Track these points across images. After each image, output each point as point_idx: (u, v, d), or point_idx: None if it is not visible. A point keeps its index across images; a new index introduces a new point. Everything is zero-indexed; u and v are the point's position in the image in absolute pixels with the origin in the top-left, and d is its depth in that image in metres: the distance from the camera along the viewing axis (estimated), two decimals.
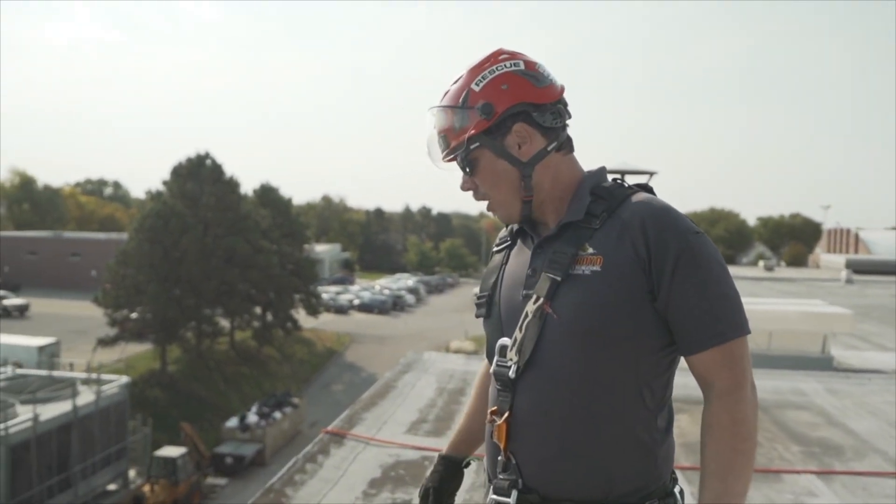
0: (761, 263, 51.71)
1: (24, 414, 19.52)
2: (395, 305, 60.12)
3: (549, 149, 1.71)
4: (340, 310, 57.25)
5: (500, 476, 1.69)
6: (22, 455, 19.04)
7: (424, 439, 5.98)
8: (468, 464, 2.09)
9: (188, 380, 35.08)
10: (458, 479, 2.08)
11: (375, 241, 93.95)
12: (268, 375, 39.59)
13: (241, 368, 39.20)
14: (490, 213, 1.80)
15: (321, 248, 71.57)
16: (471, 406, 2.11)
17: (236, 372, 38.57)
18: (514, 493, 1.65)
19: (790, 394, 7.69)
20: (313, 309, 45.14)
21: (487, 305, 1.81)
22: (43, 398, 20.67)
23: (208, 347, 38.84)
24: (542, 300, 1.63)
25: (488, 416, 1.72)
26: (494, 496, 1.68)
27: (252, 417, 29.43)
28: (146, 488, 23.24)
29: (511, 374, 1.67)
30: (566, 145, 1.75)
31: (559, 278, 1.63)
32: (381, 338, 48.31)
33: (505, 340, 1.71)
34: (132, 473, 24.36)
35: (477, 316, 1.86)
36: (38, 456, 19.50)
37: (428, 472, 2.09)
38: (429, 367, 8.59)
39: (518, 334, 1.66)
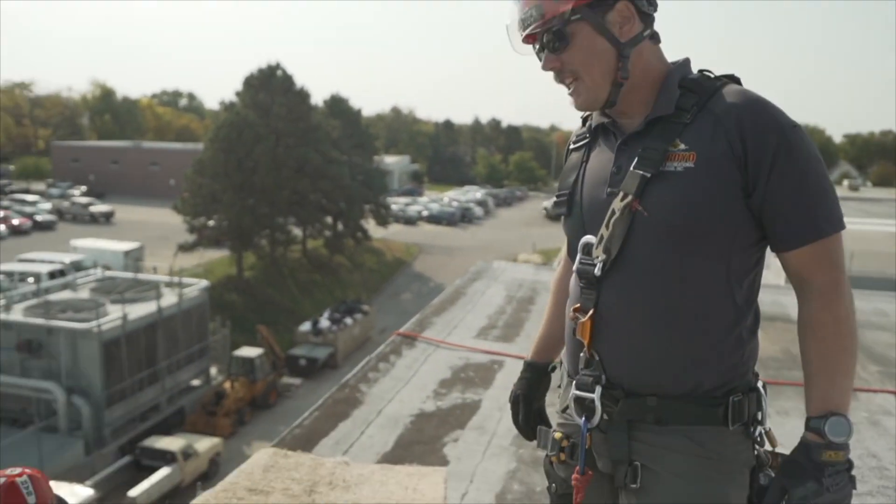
0: (846, 183, 49.58)
1: (113, 313, 20.65)
2: (463, 218, 60.29)
3: (644, 34, 1.64)
4: (409, 221, 57.78)
5: (583, 372, 1.70)
6: (113, 351, 20.25)
7: (493, 344, 6.10)
8: (554, 368, 2.11)
9: (263, 285, 36.33)
10: (545, 383, 2.11)
11: (444, 153, 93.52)
12: (339, 283, 40.63)
13: (314, 276, 40.31)
14: (569, 97, 1.71)
15: (390, 160, 71.76)
16: (549, 311, 2.13)
17: (309, 279, 39.70)
18: (598, 389, 1.66)
19: (872, 314, 7.49)
20: (383, 219, 45.72)
21: (568, 204, 1.79)
22: (130, 299, 21.77)
23: (282, 255, 39.95)
24: (630, 197, 1.60)
25: (571, 314, 1.73)
26: (577, 392, 1.69)
27: (324, 322, 30.43)
28: (227, 385, 24.50)
29: (596, 271, 1.66)
30: (656, 35, 1.69)
31: (649, 175, 1.59)
32: (449, 249, 48.74)
33: (589, 238, 1.69)
34: (213, 371, 25.68)
35: (556, 215, 1.85)
36: (128, 352, 20.72)
37: (515, 380, 2.14)
38: (498, 276, 8.66)
39: (604, 232, 1.64)
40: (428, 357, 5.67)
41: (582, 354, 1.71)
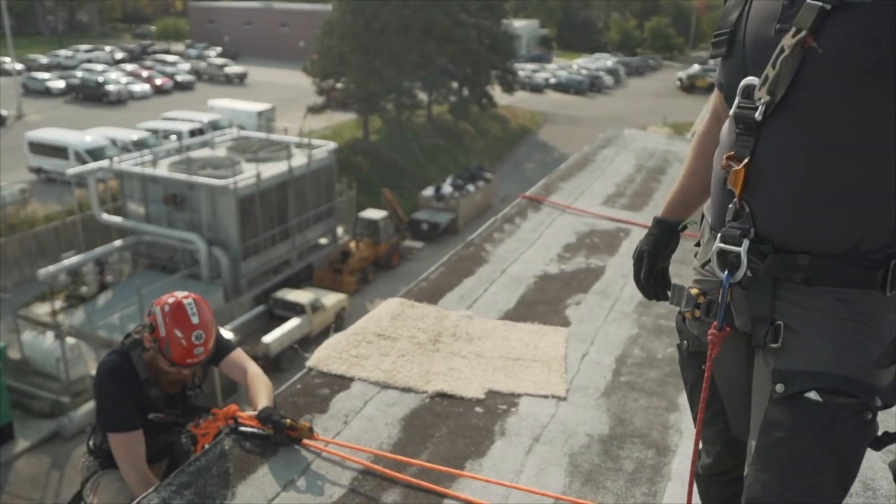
0: None
1: (248, 171, 21.61)
2: (592, 86, 58.08)
3: None
4: (536, 88, 56.28)
5: (730, 225, 1.61)
6: (248, 207, 21.36)
7: (620, 212, 5.97)
8: (685, 227, 2.02)
9: (388, 149, 36.85)
10: (673, 242, 2.03)
11: (575, 17, 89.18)
12: (462, 149, 40.65)
13: (438, 141, 40.45)
14: None
15: (519, 24, 69.22)
16: (689, 165, 2.00)
17: (433, 144, 39.90)
18: (745, 243, 1.57)
19: None
20: (509, 86, 44.70)
21: (729, 43, 1.63)
22: (263, 158, 22.64)
23: (407, 119, 40.15)
24: (803, 33, 1.44)
25: (723, 163, 1.61)
26: (722, 245, 1.61)
27: (447, 188, 30.76)
28: (352, 245, 25.51)
29: (757, 115, 1.52)
30: None
31: (829, 7, 1.42)
32: (576, 119, 47.46)
33: (751, 80, 1.55)
34: (340, 231, 26.72)
35: (714, 56, 1.70)
36: (261, 209, 21.80)
37: (643, 237, 2.07)
38: (628, 144, 8.36)
39: (770, 72, 1.50)
40: (553, 221, 5.63)
41: (731, 206, 1.61)
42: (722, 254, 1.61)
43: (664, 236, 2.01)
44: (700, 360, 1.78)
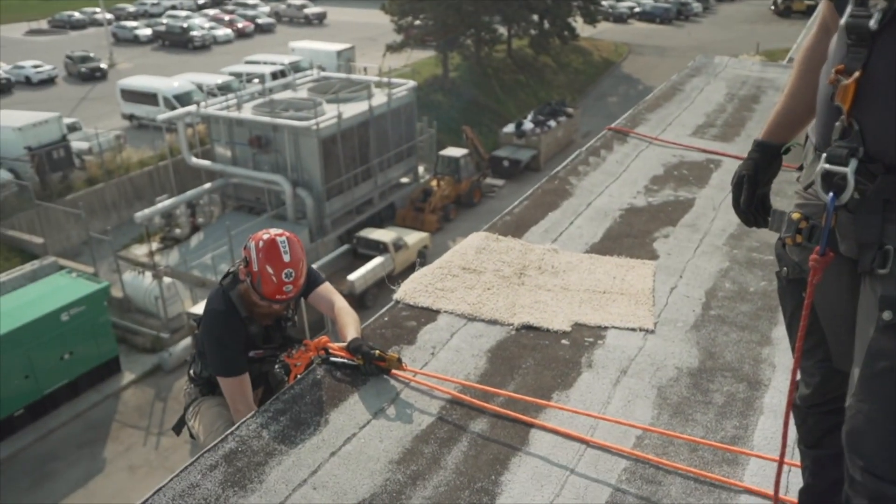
0: None
1: (329, 112, 21.79)
2: (679, 14, 55.60)
3: None
4: (619, 18, 54.30)
5: (837, 144, 1.51)
6: (330, 147, 21.62)
7: (710, 143, 5.76)
8: (787, 150, 1.92)
9: (468, 86, 36.43)
10: (774, 166, 1.93)
11: None
12: (543, 84, 39.82)
13: (518, 76, 39.71)
14: None
15: None
16: (792, 84, 1.89)
17: (513, 80, 39.21)
18: (853, 162, 1.48)
19: None
20: (591, 17, 43.18)
21: None
22: (344, 98, 22.75)
23: (487, 55, 39.47)
24: None
25: (831, 76, 1.51)
26: (827, 165, 1.52)
27: (528, 124, 30.29)
28: (433, 183, 25.57)
29: (872, 24, 1.42)
30: None
31: None
32: (662, 49, 45.66)
33: None
34: (421, 170, 26.79)
35: None
36: (343, 149, 22.02)
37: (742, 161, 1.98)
38: (719, 72, 8.00)
39: None
40: (640, 153, 5.48)
41: (837, 124, 1.51)
42: (827, 175, 1.52)
43: (765, 160, 1.91)
44: (800, 287, 1.71)
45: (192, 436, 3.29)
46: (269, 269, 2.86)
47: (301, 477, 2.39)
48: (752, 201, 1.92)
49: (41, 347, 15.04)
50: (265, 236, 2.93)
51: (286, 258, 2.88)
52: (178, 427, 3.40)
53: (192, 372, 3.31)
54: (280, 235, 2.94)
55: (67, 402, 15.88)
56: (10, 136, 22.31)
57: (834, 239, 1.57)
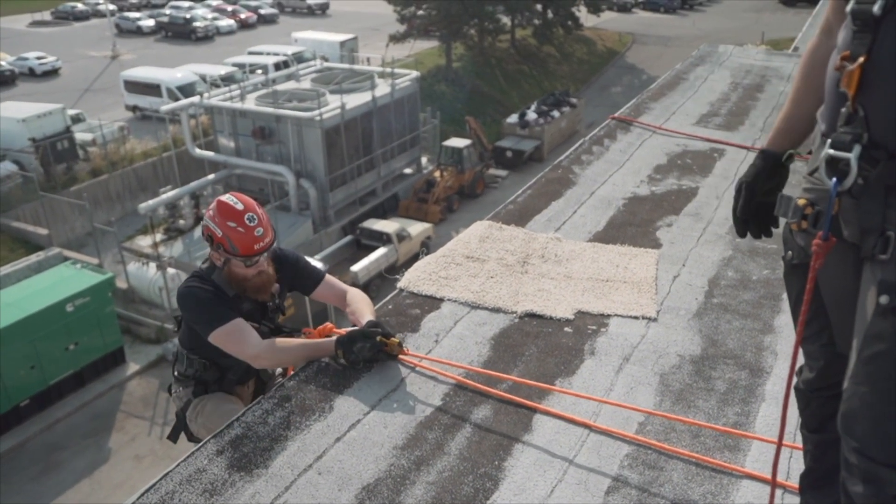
0: None
1: (333, 102, 21.77)
2: (683, 3, 55.38)
3: None
4: (623, 7, 54.13)
5: (841, 130, 1.51)
6: (334, 138, 21.61)
7: (714, 132, 5.75)
8: (790, 157, 1.92)
9: (471, 76, 36.34)
10: (778, 175, 1.93)
11: None
12: (547, 74, 39.72)
13: (522, 66, 39.61)
14: None
15: None
16: (795, 89, 1.89)
17: (516, 70, 39.10)
18: (857, 148, 1.48)
19: None
20: (595, 6, 43.07)
21: None
22: (347, 89, 22.72)
23: (490, 45, 39.38)
24: None
25: (837, 63, 1.51)
26: (831, 150, 1.52)
27: (531, 115, 30.24)
28: (437, 174, 25.56)
29: (876, 9, 1.42)
30: None
31: None
32: (666, 39, 45.51)
33: None
34: (424, 160, 26.77)
35: None
36: (347, 139, 22.01)
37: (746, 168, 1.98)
38: (723, 61, 7.98)
39: None
40: (643, 142, 5.48)
41: (843, 109, 1.51)
42: (831, 161, 1.52)
43: (766, 168, 1.91)
44: (806, 272, 1.72)
45: (191, 439, 3.18)
46: (231, 224, 2.81)
47: (306, 462, 2.41)
48: (747, 209, 1.93)
49: (46, 338, 15.12)
50: (212, 205, 2.90)
51: (239, 206, 2.84)
52: (176, 434, 3.25)
53: (177, 371, 3.20)
54: (222, 196, 2.93)
55: (73, 392, 15.98)
56: (14, 127, 22.34)
57: (838, 224, 1.58)
